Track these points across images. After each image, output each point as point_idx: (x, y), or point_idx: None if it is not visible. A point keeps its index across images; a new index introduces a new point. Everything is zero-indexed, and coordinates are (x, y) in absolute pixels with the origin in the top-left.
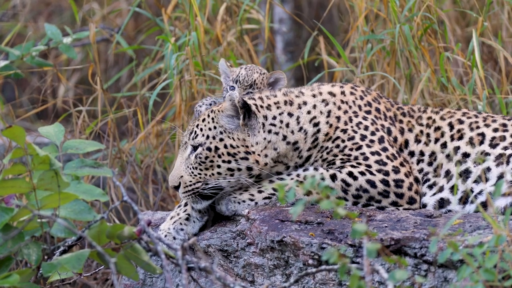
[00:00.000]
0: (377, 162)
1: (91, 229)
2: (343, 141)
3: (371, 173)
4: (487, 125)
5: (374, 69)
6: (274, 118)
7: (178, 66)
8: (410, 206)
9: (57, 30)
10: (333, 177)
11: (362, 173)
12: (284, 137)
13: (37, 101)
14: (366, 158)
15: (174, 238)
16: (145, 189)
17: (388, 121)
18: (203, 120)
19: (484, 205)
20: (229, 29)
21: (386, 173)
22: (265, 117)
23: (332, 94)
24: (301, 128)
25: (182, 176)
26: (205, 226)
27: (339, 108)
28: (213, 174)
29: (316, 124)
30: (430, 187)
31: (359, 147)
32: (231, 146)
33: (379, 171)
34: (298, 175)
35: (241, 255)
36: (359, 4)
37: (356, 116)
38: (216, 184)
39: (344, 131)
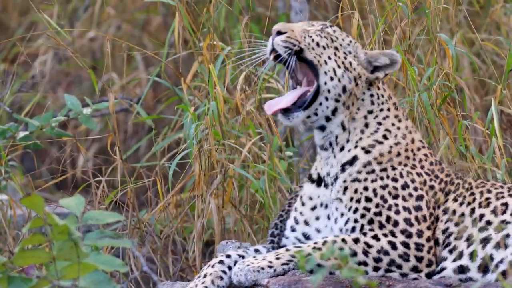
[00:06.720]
0: (404, 220)
1: None
2: (387, 177)
3: (393, 234)
4: (511, 195)
5: None
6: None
7: (197, 135)
8: (429, 269)
9: (76, 100)
10: (356, 241)
11: (385, 235)
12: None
13: (56, 171)
14: (397, 212)
15: None
16: (165, 260)
17: (441, 185)
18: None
19: (504, 273)
20: (248, 98)
21: (409, 235)
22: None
23: (412, 141)
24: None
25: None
26: None
27: (406, 150)
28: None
29: (385, 136)
30: (451, 251)
31: (396, 196)
32: None
33: (402, 232)
34: (316, 242)
35: None
36: None
37: (413, 168)
38: None
39: (393, 168)
